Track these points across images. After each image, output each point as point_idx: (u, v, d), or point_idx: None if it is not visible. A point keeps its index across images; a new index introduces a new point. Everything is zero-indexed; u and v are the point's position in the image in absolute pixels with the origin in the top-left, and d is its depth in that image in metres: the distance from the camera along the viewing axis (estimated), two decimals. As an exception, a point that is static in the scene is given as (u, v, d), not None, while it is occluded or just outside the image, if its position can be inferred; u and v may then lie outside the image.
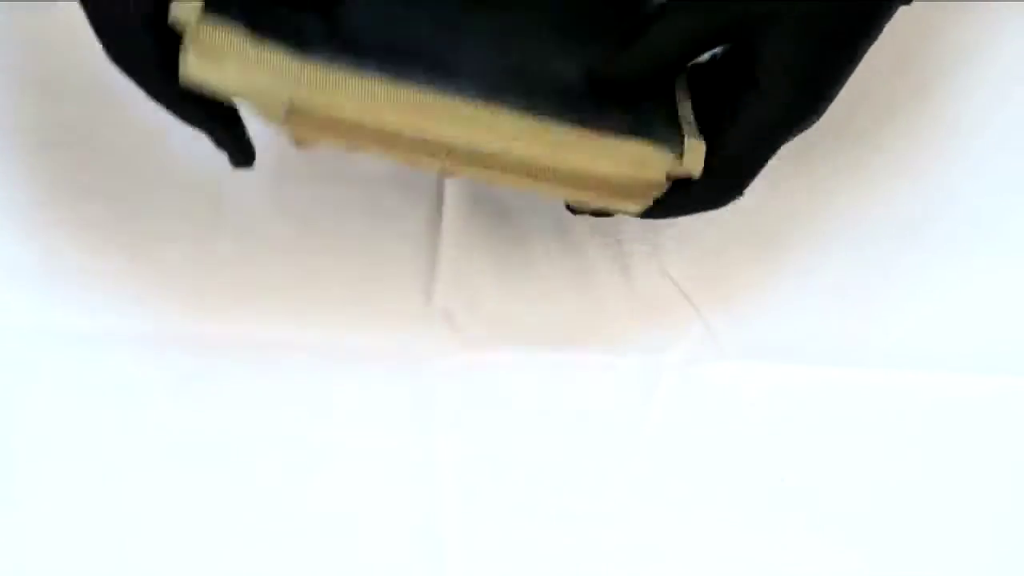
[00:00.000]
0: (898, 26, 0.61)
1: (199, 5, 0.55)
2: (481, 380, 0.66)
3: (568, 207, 0.64)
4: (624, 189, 0.60)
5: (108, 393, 0.65)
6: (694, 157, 0.60)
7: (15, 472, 0.64)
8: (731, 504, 0.65)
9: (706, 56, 0.61)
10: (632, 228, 0.69)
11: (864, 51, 0.60)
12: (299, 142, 0.58)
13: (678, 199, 0.61)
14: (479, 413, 0.66)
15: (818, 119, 0.60)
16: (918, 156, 0.74)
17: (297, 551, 0.64)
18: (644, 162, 0.60)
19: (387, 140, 0.58)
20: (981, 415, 0.68)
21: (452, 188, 0.69)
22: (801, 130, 0.60)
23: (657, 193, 0.60)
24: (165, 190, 0.68)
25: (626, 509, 0.65)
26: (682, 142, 0.60)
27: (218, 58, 0.56)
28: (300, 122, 0.57)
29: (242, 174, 0.62)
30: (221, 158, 0.61)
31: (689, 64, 0.61)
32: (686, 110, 0.61)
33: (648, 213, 0.61)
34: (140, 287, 0.68)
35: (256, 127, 0.60)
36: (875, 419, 0.68)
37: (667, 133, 0.60)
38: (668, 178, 0.60)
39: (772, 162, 0.61)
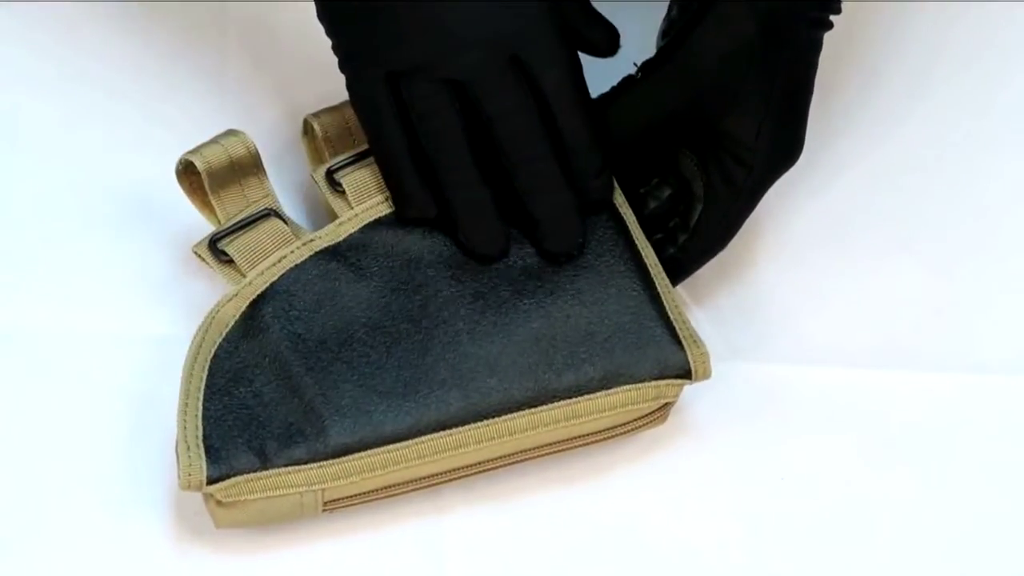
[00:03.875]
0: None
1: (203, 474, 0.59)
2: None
3: None
4: (643, 419, 0.64)
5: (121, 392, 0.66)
6: (702, 367, 0.63)
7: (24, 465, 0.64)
8: (731, 503, 0.66)
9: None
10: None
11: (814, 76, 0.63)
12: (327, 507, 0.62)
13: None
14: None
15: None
16: (920, 157, 0.74)
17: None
18: (658, 396, 0.63)
19: (409, 484, 0.62)
20: (982, 415, 0.68)
21: None
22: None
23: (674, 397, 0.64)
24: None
25: (625, 507, 0.65)
26: (680, 346, 0.63)
27: (243, 504, 0.59)
28: (337, 504, 0.61)
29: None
30: None
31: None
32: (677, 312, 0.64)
33: None
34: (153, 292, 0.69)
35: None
36: (875, 419, 0.68)
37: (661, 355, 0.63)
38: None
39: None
